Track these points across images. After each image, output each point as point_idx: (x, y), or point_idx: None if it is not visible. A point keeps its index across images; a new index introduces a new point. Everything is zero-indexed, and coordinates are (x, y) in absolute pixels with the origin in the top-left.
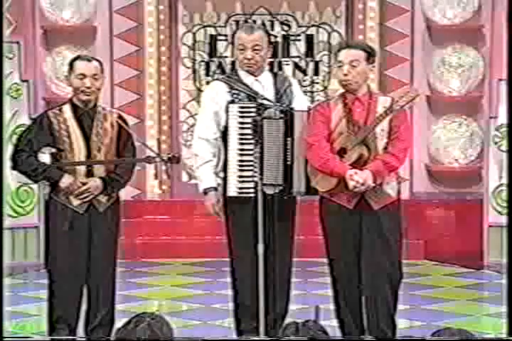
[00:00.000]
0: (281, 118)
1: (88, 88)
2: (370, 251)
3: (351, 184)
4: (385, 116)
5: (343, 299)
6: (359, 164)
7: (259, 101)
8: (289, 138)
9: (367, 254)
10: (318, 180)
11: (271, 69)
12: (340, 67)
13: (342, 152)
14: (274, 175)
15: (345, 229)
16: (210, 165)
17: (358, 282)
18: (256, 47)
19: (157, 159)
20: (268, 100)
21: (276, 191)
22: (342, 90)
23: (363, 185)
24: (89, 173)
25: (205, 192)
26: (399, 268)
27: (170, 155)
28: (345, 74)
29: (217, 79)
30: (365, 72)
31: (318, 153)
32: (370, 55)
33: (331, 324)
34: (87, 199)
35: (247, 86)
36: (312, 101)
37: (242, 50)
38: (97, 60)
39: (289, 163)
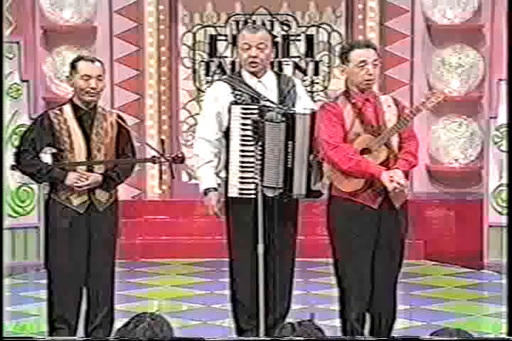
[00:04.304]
0: (282, 121)
1: (93, 89)
2: (388, 249)
3: (391, 185)
4: (411, 117)
5: (353, 298)
6: (385, 164)
7: (262, 102)
8: (290, 142)
9: (383, 253)
10: (341, 180)
11: (271, 69)
12: (362, 66)
13: (364, 152)
14: (275, 177)
15: (365, 228)
16: (211, 165)
17: (368, 281)
18: (260, 46)
19: (162, 159)
20: (271, 102)
21: (277, 194)
22: (341, 91)
23: (401, 185)
24: (90, 172)
25: (205, 192)
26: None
27: (174, 155)
28: (371, 74)
29: (219, 80)
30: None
31: (347, 155)
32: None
33: (331, 324)
34: (84, 189)
35: (250, 87)
36: (312, 101)
37: (246, 49)
38: (99, 61)
39: (289, 166)
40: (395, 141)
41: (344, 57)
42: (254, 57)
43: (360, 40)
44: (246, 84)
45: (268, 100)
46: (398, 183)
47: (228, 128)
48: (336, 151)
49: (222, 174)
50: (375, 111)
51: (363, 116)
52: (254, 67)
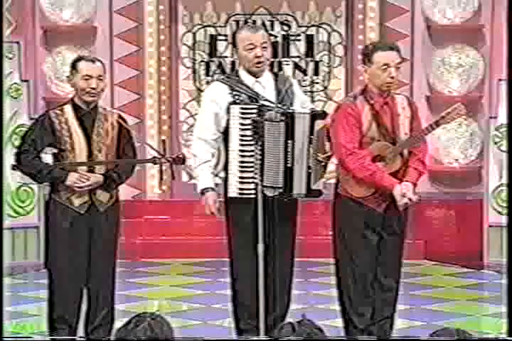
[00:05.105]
0: (282, 120)
1: (94, 89)
2: (391, 249)
3: (403, 201)
4: (430, 130)
5: (357, 298)
6: (398, 173)
7: (261, 102)
8: (289, 141)
9: (387, 253)
10: (352, 185)
11: (271, 70)
12: (384, 69)
13: (377, 159)
14: (275, 177)
15: (369, 230)
16: (208, 165)
17: (372, 281)
18: (264, 45)
19: (163, 160)
20: (270, 101)
21: (276, 193)
22: (359, 90)
23: (412, 201)
24: (91, 173)
25: (203, 192)
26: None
27: (175, 156)
28: (393, 77)
29: (217, 80)
30: None
31: (363, 164)
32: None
33: (331, 324)
34: (85, 189)
35: (248, 87)
36: (312, 102)
37: (251, 49)
38: (100, 61)
39: (289, 165)
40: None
41: (367, 58)
42: (260, 56)
43: (384, 42)
44: (244, 84)
45: (267, 100)
46: (409, 199)
47: (227, 129)
48: (352, 158)
49: (222, 174)
50: (391, 115)
51: (380, 119)
52: (259, 66)
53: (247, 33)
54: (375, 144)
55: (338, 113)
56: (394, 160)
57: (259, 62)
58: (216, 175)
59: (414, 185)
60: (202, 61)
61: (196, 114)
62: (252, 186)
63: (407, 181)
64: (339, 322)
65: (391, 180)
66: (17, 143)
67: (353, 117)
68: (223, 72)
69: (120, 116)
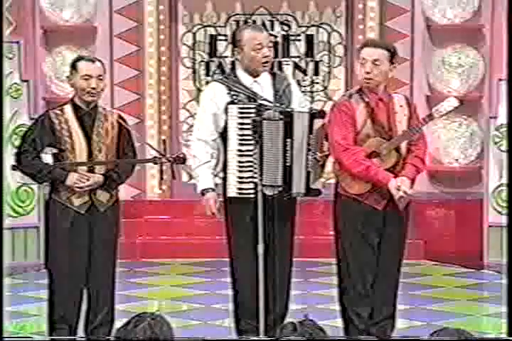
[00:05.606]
0: (280, 119)
1: (93, 89)
2: (392, 249)
3: (398, 194)
4: (424, 124)
5: (356, 298)
6: (394, 169)
7: (259, 101)
8: (288, 140)
9: (388, 253)
10: (348, 182)
11: (269, 69)
12: (362, 64)
13: (373, 155)
14: (274, 176)
15: (370, 229)
16: (208, 166)
17: (372, 281)
18: (270, 45)
19: (163, 160)
20: (268, 101)
21: (276, 192)
22: (355, 89)
23: (408, 195)
24: (91, 173)
25: (203, 193)
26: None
27: (175, 156)
28: (368, 72)
29: (215, 81)
30: (386, 72)
31: (357, 159)
32: (393, 55)
33: (331, 324)
34: (85, 189)
35: (246, 87)
36: (312, 102)
37: (259, 49)
38: (99, 61)
39: (288, 164)
40: (404, 143)
41: (357, 54)
42: (268, 56)
43: (376, 40)
44: (242, 84)
45: (265, 99)
46: (405, 192)
47: (225, 129)
48: (347, 154)
49: (221, 174)
50: (387, 112)
51: (375, 116)
52: (266, 66)
53: (254, 32)
54: (370, 140)
55: (333, 111)
56: (389, 155)
57: (266, 62)
58: (216, 176)
59: (412, 180)
60: (202, 61)
61: (196, 114)
62: (251, 186)
63: (403, 176)
64: (339, 322)
65: (386, 175)
66: (17, 143)
67: (347, 114)
68: (223, 72)
69: (120, 116)
